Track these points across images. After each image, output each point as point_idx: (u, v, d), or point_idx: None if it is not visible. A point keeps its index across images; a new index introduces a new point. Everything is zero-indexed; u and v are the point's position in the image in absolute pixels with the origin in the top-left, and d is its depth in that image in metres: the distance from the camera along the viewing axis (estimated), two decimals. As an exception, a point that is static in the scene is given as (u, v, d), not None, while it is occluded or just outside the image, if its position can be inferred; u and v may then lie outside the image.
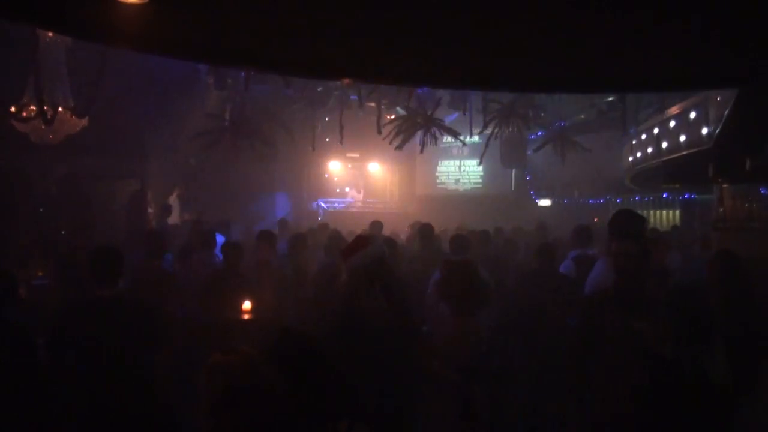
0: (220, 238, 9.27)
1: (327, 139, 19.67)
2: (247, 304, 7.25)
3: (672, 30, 4.77)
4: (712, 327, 3.50)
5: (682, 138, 10.20)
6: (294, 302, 7.31)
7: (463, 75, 6.78)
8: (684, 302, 3.65)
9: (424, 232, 8.94)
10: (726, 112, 7.54)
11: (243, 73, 12.43)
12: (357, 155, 22.81)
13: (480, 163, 18.72)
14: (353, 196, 22.98)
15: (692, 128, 9.81)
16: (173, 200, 16.37)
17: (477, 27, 4.79)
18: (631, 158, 14.41)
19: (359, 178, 23.58)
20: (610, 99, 16.63)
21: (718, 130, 8.42)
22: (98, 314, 4.84)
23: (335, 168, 23.24)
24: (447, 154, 23.32)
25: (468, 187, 23.83)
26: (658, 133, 11.54)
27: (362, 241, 5.19)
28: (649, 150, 12.28)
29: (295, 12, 4.39)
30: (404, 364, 4.49)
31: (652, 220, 20.10)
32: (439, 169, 24.26)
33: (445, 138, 15.41)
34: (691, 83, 7.58)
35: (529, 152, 20.17)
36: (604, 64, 6.01)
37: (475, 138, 17.18)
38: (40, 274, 9.45)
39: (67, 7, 4.17)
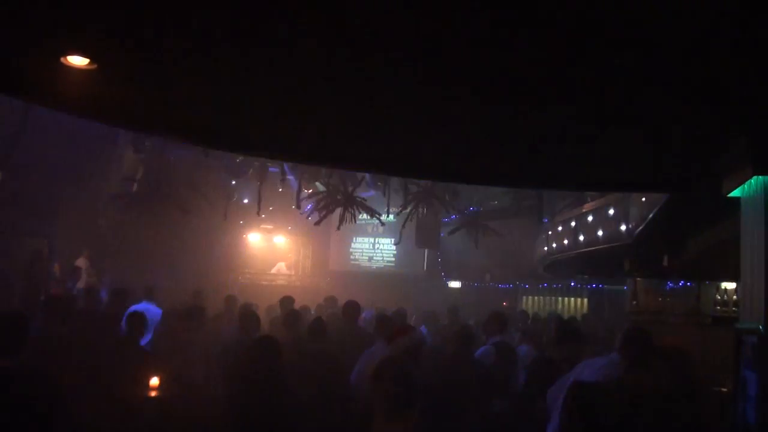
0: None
1: (245, 200, 19.38)
2: (154, 380, 6.95)
3: (614, 137, 4.90)
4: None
5: (600, 232, 10.45)
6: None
7: (383, 161, 6.79)
8: None
9: (347, 309, 8.82)
10: (653, 211, 7.76)
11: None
12: (271, 227, 22.61)
13: (398, 242, 18.87)
14: (281, 271, 22.68)
15: (610, 224, 10.07)
16: (81, 263, 15.74)
17: (398, 117, 4.82)
18: (546, 248, 14.69)
19: (279, 253, 23.29)
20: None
21: (640, 228, 8.65)
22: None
23: (255, 240, 22.98)
24: (362, 231, 23.36)
25: (381, 265, 23.90)
26: (575, 226, 11.81)
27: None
28: (565, 241, 12.54)
29: (233, 93, 4.37)
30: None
31: (560, 306, 20.48)
32: (353, 245, 24.26)
33: (360, 215, 15.41)
34: (626, 186, 7.80)
35: (442, 234, 20.42)
36: (537, 163, 6.11)
37: (391, 217, 17.29)
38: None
39: (14, 69, 4.03)
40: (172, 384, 6.97)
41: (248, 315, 8.35)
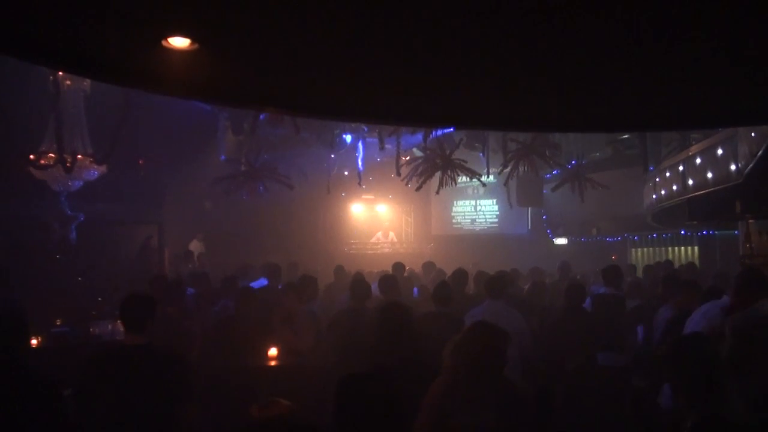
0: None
1: (346, 172, 19.56)
2: (272, 351, 7.16)
3: (723, 64, 4.63)
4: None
5: (709, 175, 10.10)
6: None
7: (482, 116, 6.67)
8: None
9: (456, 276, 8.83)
10: (764, 146, 7.44)
11: (263, 116, 12.42)
12: (372, 196, 22.79)
13: (511, 207, 18.65)
14: (380, 240, 22.92)
15: (720, 164, 9.72)
16: (195, 246, 16.29)
17: (500, 70, 4.70)
18: (654, 196, 14.28)
19: (381, 222, 23.52)
20: (626, 137, 16.60)
21: (751, 166, 8.32)
22: (126, 364, 4.70)
23: (357, 211, 23.27)
24: (462, 194, 23.26)
25: (484, 226, 23.73)
26: (683, 170, 11.44)
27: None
28: (674, 187, 12.17)
29: (329, 60, 4.35)
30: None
31: (670, 257, 19.88)
32: (454, 209, 24.19)
33: (460, 178, 15.27)
34: (735, 120, 7.45)
35: (545, 191, 20.10)
36: (647, 103, 5.88)
37: (491, 177, 17.11)
38: (59, 322, 9.39)
39: (114, 56, 4.14)
40: (284, 354, 7.19)
41: (359, 283, 8.41)
